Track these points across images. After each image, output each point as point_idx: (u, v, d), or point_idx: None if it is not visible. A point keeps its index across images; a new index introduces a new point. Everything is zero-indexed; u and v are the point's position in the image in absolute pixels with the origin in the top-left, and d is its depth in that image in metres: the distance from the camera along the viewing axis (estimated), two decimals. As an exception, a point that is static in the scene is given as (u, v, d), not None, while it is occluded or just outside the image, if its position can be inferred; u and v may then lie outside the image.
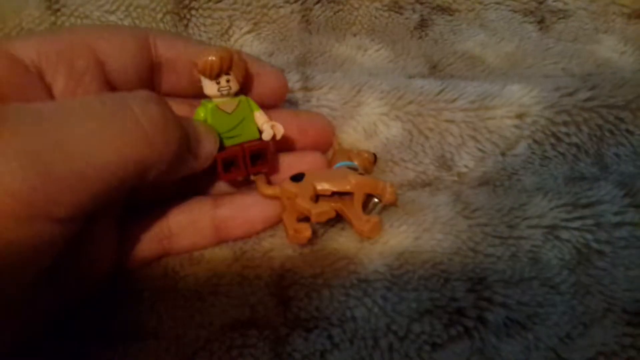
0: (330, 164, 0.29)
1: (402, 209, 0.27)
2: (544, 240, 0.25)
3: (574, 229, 0.25)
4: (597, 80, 0.31)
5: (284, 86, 0.27)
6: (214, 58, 0.22)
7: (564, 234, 0.25)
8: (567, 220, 0.26)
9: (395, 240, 0.26)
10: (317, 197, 0.25)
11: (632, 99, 0.31)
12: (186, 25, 0.40)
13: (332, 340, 0.22)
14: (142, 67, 0.24)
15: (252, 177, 0.26)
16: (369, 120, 0.32)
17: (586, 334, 0.22)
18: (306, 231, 0.24)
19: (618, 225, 0.26)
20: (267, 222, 0.26)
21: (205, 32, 0.41)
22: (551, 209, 0.26)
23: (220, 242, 0.26)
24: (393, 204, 0.27)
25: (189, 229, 0.25)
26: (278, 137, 0.25)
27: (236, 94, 0.25)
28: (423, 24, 0.43)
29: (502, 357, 0.22)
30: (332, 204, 0.25)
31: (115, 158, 0.18)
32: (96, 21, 0.39)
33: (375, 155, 0.29)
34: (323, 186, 0.25)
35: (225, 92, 0.24)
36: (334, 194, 0.25)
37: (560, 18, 0.44)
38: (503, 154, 0.30)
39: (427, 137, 0.31)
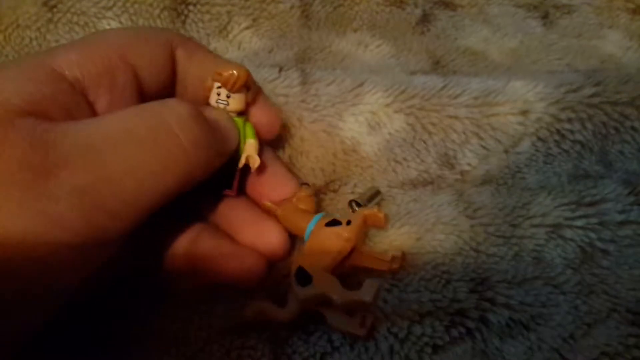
0: (291, 229, 0.25)
1: (403, 209, 0.27)
2: (548, 240, 0.25)
3: (578, 227, 0.25)
4: (601, 77, 0.31)
5: (275, 126, 0.26)
6: (235, 73, 0.23)
7: (568, 233, 0.25)
8: (571, 219, 0.25)
9: (397, 241, 0.25)
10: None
11: (637, 95, 0.30)
12: (184, 22, 0.40)
13: (332, 343, 0.22)
14: (168, 77, 0.24)
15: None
16: (371, 110, 0.31)
17: (590, 335, 0.22)
18: (369, 320, 0.22)
19: (622, 223, 0.25)
20: (237, 279, 0.23)
21: (203, 28, 0.40)
22: (555, 207, 0.26)
23: (193, 273, 0.24)
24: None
25: (167, 252, 0.24)
26: (252, 169, 0.24)
27: (240, 114, 0.24)
28: (425, 19, 0.43)
29: (504, 359, 0.22)
30: (347, 263, 0.23)
31: (162, 183, 0.19)
32: (93, 18, 0.38)
33: (308, 184, 0.27)
34: (331, 264, 0.22)
35: (221, 106, 0.24)
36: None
37: (564, 13, 0.43)
38: (506, 152, 0.30)
39: (430, 133, 0.30)
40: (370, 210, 0.24)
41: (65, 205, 0.17)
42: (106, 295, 0.24)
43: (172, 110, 0.20)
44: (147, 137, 0.19)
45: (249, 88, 0.24)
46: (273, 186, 0.26)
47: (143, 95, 0.23)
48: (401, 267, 0.24)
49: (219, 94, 0.24)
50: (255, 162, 0.24)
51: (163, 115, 0.19)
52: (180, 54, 0.23)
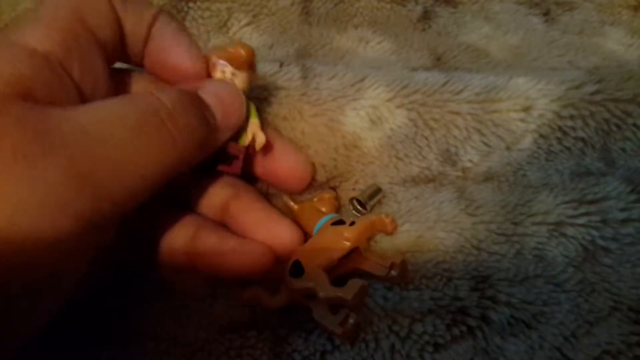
0: (303, 226, 0.26)
1: (404, 207, 0.27)
2: (549, 237, 0.25)
3: (580, 225, 0.25)
4: (603, 74, 0.31)
5: (306, 175, 0.27)
6: (242, 50, 0.23)
7: (570, 231, 0.25)
8: (573, 216, 0.25)
9: (398, 239, 0.25)
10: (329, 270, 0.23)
11: (639, 92, 0.30)
12: (184, 18, 0.40)
13: (332, 341, 0.22)
14: (117, 34, 0.23)
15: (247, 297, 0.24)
16: (372, 104, 0.30)
17: (592, 333, 0.22)
18: (351, 320, 0.21)
19: (624, 221, 0.25)
20: (242, 273, 0.23)
21: (203, 24, 0.40)
22: (557, 205, 0.26)
23: (193, 269, 0.24)
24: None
25: (165, 248, 0.24)
26: (257, 147, 0.24)
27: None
28: (426, 16, 0.42)
29: (506, 357, 0.22)
30: (349, 265, 0.23)
31: (154, 169, 0.19)
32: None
33: (335, 190, 0.28)
34: (327, 261, 0.23)
35: None
36: (340, 259, 0.23)
37: (565, 10, 0.43)
38: (508, 149, 0.30)
39: (432, 129, 0.30)
40: (378, 216, 0.24)
41: (67, 192, 0.16)
42: (106, 295, 0.24)
43: (157, 100, 0.20)
44: (137, 125, 0.19)
45: (254, 67, 0.24)
46: (286, 163, 0.26)
47: (104, 57, 0.22)
48: (401, 278, 0.23)
49: (223, 72, 0.23)
50: (261, 139, 0.24)
51: (151, 103, 0.20)
52: (117, 5, 0.23)
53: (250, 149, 0.24)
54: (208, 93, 0.22)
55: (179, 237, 0.24)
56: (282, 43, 0.40)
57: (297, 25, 0.41)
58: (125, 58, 0.24)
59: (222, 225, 0.25)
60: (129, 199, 0.19)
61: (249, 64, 0.23)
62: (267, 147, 0.25)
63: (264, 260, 0.23)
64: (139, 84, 0.25)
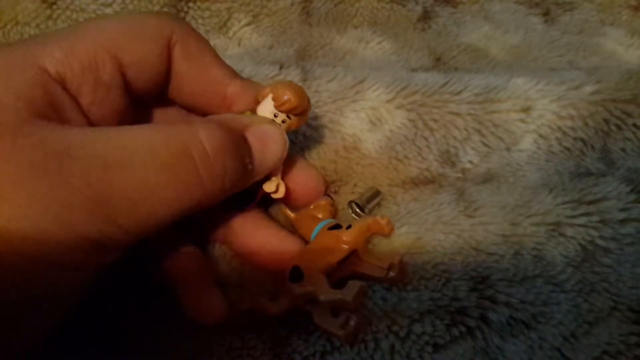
0: (301, 233, 0.26)
1: (404, 208, 0.27)
2: (549, 238, 0.25)
3: (579, 225, 0.25)
4: (603, 74, 0.31)
5: (320, 191, 0.27)
6: (293, 100, 0.22)
7: (569, 231, 0.25)
8: (572, 217, 0.25)
9: (397, 241, 0.25)
10: (329, 274, 0.23)
11: (639, 92, 0.30)
12: (183, 18, 0.40)
13: (332, 342, 0.22)
14: (160, 74, 0.22)
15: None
16: (372, 106, 0.30)
17: (591, 333, 0.22)
18: (353, 322, 0.22)
19: (624, 221, 0.25)
20: (192, 316, 0.23)
21: (202, 24, 0.40)
22: (556, 205, 0.26)
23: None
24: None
25: (167, 255, 0.24)
26: (274, 196, 0.24)
27: None
28: (426, 16, 0.43)
29: (505, 357, 0.22)
30: (348, 268, 0.24)
31: (174, 207, 0.19)
32: (92, 14, 0.38)
33: (331, 196, 0.28)
34: (326, 265, 0.23)
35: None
36: (339, 263, 0.23)
37: (565, 10, 0.43)
38: (508, 149, 0.30)
39: (431, 130, 0.30)
40: (374, 218, 0.24)
41: (79, 214, 0.17)
42: (106, 296, 0.24)
43: (197, 141, 0.19)
44: (167, 162, 0.18)
45: (304, 115, 0.24)
46: (301, 182, 0.26)
47: (131, 92, 0.22)
48: (400, 278, 0.23)
49: (275, 115, 0.23)
50: (282, 192, 0.24)
51: (187, 144, 0.19)
52: (177, 53, 0.22)
53: (269, 194, 0.24)
54: (256, 136, 0.21)
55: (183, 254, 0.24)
56: (282, 43, 0.40)
57: (297, 26, 0.41)
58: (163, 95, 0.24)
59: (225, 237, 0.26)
60: (141, 231, 0.18)
61: (300, 112, 0.23)
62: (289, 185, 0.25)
63: (214, 315, 0.23)
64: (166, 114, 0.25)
